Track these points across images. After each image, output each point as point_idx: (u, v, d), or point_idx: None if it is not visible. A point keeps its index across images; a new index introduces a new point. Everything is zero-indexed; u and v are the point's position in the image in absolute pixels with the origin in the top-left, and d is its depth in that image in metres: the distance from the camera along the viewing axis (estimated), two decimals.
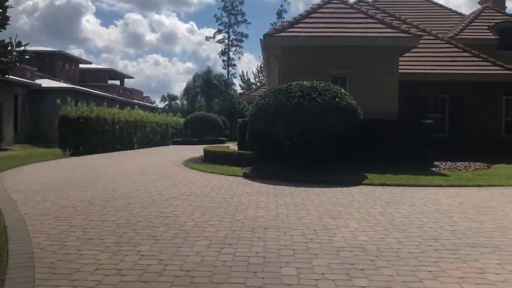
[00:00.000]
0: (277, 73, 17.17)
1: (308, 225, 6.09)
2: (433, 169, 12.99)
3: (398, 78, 14.36)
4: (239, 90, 64.84)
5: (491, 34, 21.48)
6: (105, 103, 25.01)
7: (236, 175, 11.21)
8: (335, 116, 10.71)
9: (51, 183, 9.81)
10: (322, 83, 11.55)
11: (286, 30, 14.27)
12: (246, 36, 74.31)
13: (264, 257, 4.61)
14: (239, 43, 73.74)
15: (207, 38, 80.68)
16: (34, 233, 5.49)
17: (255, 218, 6.48)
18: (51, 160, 16.57)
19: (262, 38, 14.16)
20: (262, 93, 12.06)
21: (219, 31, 73.08)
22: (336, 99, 10.93)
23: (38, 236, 5.35)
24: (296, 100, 10.81)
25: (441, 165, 13.79)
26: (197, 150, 22.92)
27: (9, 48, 5.09)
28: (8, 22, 5.18)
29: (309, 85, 11.29)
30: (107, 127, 21.90)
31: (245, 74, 66.93)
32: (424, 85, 17.37)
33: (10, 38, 5.11)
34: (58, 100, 20.92)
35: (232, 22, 73.08)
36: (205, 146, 16.59)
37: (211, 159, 14.28)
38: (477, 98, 17.59)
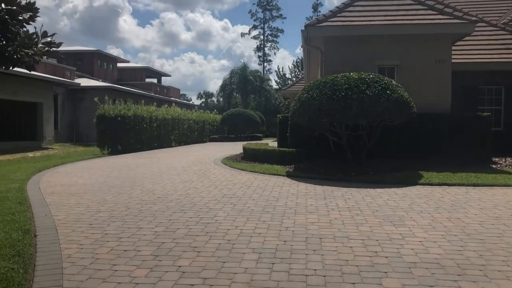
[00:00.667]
0: (319, 66, 16.35)
1: (368, 234, 5.35)
2: (493, 166, 11.90)
3: (451, 68, 13.26)
4: (274, 86, 64.15)
5: None
6: (143, 101, 24.74)
7: (279, 175, 10.53)
8: (386, 110, 9.84)
9: (87, 184, 9.42)
10: (371, 74, 10.68)
11: (329, 20, 13.42)
12: (282, 31, 73.57)
13: (324, 276, 3.93)
14: (275, 39, 73.03)
15: (242, 35, 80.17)
16: (65, 243, 4.99)
17: (306, 225, 5.78)
18: (89, 159, 16.37)
19: (304, 29, 13.37)
20: (305, 86, 11.30)
21: (254, 27, 72.61)
22: (387, 92, 10.05)
23: (69, 247, 4.84)
24: (343, 93, 10.00)
25: (500, 162, 12.64)
26: (235, 148, 22.44)
27: (35, 39, 4.57)
28: (37, 14, 4.65)
29: (356, 77, 10.45)
30: (144, 125, 21.64)
31: (280, 69, 66.25)
32: (476, 76, 16.12)
33: (35, 28, 4.59)
34: (95, 98, 20.78)
35: (267, 17, 72.39)
36: (244, 143, 15.97)
37: (250, 157, 13.64)
38: None
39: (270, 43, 72.84)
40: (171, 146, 25.14)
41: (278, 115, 16.27)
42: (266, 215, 6.38)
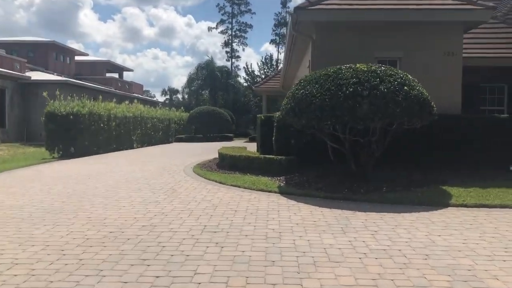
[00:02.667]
0: (302, 59, 14.26)
1: None
2: None
3: (462, 62, 11.44)
4: (243, 83, 61.90)
5: None
6: (100, 97, 21.97)
7: (269, 191, 8.35)
8: (405, 110, 7.83)
9: (15, 207, 6.97)
10: (382, 66, 8.66)
11: (323, 3, 11.33)
12: (250, 26, 71.10)
13: None
14: (243, 34, 70.74)
15: (210, 29, 77.87)
16: None
17: None
18: (33, 165, 13.72)
19: (292, 13, 11.23)
20: (300, 80, 9.19)
21: (222, 22, 70.06)
22: (404, 87, 8.05)
23: None
24: (351, 89, 7.93)
25: None
26: (206, 150, 20.12)
27: None
28: None
29: (365, 69, 8.40)
30: (102, 124, 19.02)
31: (249, 66, 63.95)
32: (476, 73, 14.43)
33: None
34: (44, 93, 17.97)
35: (235, 12, 70.04)
36: (219, 147, 13.70)
37: (229, 166, 11.41)
38: None
39: (238, 39, 70.57)
40: (133, 148, 22.56)
41: (259, 115, 14.12)
42: (272, 269, 4.20)
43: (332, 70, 8.67)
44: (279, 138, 11.02)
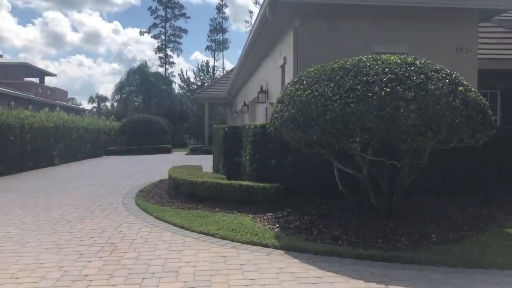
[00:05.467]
0: (279, 54, 11.51)
1: None
2: None
3: (477, 60, 9.25)
4: (177, 90, 58.34)
5: None
6: (12, 103, 17.94)
7: (265, 245, 5.41)
8: (466, 120, 5.29)
9: None
10: (419, 58, 6.10)
11: None
12: (185, 31, 67.57)
13: None
14: (178, 39, 67.08)
15: (141, 33, 72.61)
16: None
17: None
18: None
19: None
20: (298, 76, 6.41)
21: (155, 25, 66.00)
22: (459, 88, 5.54)
23: None
24: (387, 89, 5.27)
25: None
26: (144, 166, 16.75)
27: None
28: None
29: (399, 61, 5.81)
30: (12, 137, 15.12)
31: (184, 73, 60.52)
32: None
33: None
34: None
35: (169, 16, 66.29)
36: (170, 170, 10.49)
37: (186, 195, 8.35)
38: None
39: (172, 44, 66.81)
40: (54, 165, 18.62)
41: (217, 126, 11.21)
42: None
43: (349, 62, 5.98)
44: (256, 157, 8.14)
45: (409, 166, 6.21)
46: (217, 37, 70.14)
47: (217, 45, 70.71)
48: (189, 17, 67.57)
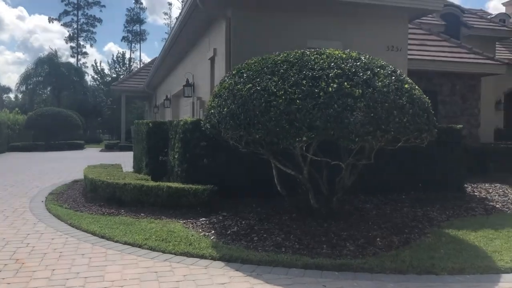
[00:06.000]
0: (208, 46, 10.88)
1: None
2: (472, 196, 8.21)
3: (407, 59, 9.32)
4: (90, 82, 55.20)
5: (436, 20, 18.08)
6: None
7: (201, 256, 4.80)
8: (413, 119, 5.08)
9: None
10: (363, 54, 5.83)
11: None
12: (100, 20, 64.05)
13: None
14: (91, 28, 63.48)
15: (51, 20, 67.77)
16: None
17: None
18: None
19: None
20: (237, 69, 5.84)
21: (66, 13, 61.87)
22: (405, 85, 5.34)
23: None
24: (334, 85, 4.91)
25: (475, 189, 9.09)
26: (55, 163, 15.23)
27: None
28: None
29: (344, 55, 5.49)
30: None
31: (98, 64, 57.20)
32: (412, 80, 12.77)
33: None
34: None
35: (81, 3, 62.44)
36: (86, 170, 9.43)
37: (106, 198, 7.47)
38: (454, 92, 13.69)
39: (85, 33, 63.11)
40: None
41: (140, 121, 10.37)
42: None
43: (293, 55, 5.56)
44: (186, 156, 7.47)
45: (350, 167, 5.93)
46: (134, 28, 67.48)
47: (134, 36, 67.99)
48: (104, 6, 63.91)
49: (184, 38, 11.80)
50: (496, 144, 14.37)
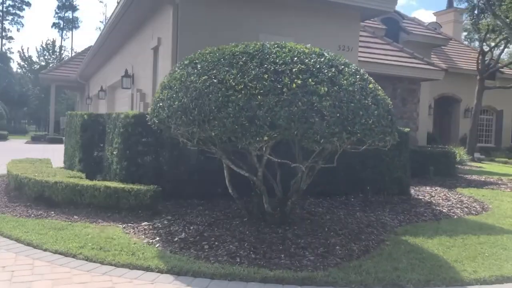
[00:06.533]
0: (151, 35, 10.17)
1: None
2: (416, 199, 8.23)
3: (358, 59, 9.18)
4: (16, 69, 51.66)
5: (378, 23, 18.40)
6: None
7: (147, 268, 4.22)
8: (378, 121, 4.81)
9: None
10: (325, 50, 5.49)
11: None
12: (28, 4, 60.04)
13: None
14: (18, 12, 59.39)
15: None
16: None
17: None
18: None
19: None
20: (190, 59, 5.27)
21: None
22: (369, 85, 5.06)
23: None
24: (299, 81, 4.53)
25: (418, 193, 9.12)
26: None
27: None
28: None
29: (306, 50, 5.12)
30: None
31: (25, 51, 53.60)
32: None
33: None
34: None
35: None
36: (9, 164, 8.37)
37: (33, 197, 6.62)
38: (395, 96, 13.89)
39: (12, 16, 58.92)
40: None
41: (74, 112, 9.48)
42: None
43: (252, 47, 5.10)
44: (126, 153, 6.80)
45: (308, 169, 5.59)
46: (66, 14, 64.02)
47: (66, 23, 64.57)
48: None
49: (124, 25, 10.99)
50: (432, 147, 14.79)
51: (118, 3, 9.84)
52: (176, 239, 5.09)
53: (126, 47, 12.70)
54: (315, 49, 5.26)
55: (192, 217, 5.89)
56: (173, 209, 6.23)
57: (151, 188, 6.11)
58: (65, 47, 62.70)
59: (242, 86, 4.55)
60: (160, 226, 5.57)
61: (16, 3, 59.12)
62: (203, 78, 4.78)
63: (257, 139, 4.43)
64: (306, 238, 5.20)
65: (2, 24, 58.04)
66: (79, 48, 71.67)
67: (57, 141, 23.74)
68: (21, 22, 60.78)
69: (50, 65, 45.63)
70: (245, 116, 4.43)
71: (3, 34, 58.18)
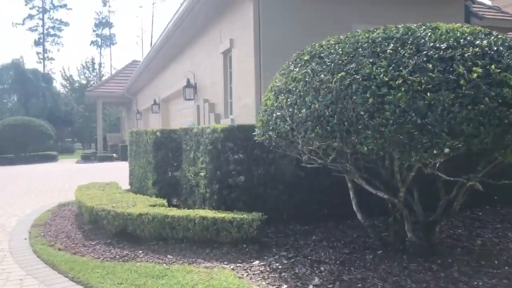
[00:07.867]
0: (218, 37, 9.15)
1: None
2: None
3: None
4: (58, 88, 52.28)
5: None
6: None
7: None
8: None
9: None
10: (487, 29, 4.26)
11: None
12: (67, 24, 61.05)
13: None
14: (58, 33, 60.41)
15: (14, 25, 64.62)
16: None
17: None
18: None
19: None
20: (307, 55, 4.11)
21: (30, 17, 58.72)
22: None
23: None
24: (479, 69, 3.31)
25: None
26: (29, 181, 13.02)
27: None
28: None
29: (468, 30, 3.90)
30: None
31: (66, 70, 54.33)
32: None
33: None
34: None
35: (47, 7, 59.40)
36: (78, 193, 7.39)
37: (113, 233, 5.64)
38: None
39: (52, 38, 60.00)
40: None
41: (142, 130, 8.53)
42: None
43: (394, 30, 3.91)
44: (217, 174, 5.70)
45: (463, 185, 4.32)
46: (103, 32, 64.78)
47: (104, 40, 65.32)
48: (70, 9, 61.10)
49: (185, 31, 10.00)
50: None
51: (177, 11, 8.85)
52: (310, 287, 3.93)
53: (184, 56, 11.72)
54: (478, 28, 4.01)
55: (313, 252, 4.72)
56: (279, 240, 5.09)
57: (257, 216, 4.97)
58: (103, 63, 63.49)
59: (400, 81, 3.36)
60: (279, 266, 4.42)
61: (56, 24, 60.18)
62: (340, 75, 3.62)
63: (434, 152, 3.22)
64: (474, 275, 3.94)
65: (44, 46, 59.12)
66: (117, 64, 72.45)
67: (107, 159, 23.28)
68: (60, 42, 61.86)
69: (91, 82, 45.92)
70: (411, 121, 3.24)
71: (45, 55, 59.26)
